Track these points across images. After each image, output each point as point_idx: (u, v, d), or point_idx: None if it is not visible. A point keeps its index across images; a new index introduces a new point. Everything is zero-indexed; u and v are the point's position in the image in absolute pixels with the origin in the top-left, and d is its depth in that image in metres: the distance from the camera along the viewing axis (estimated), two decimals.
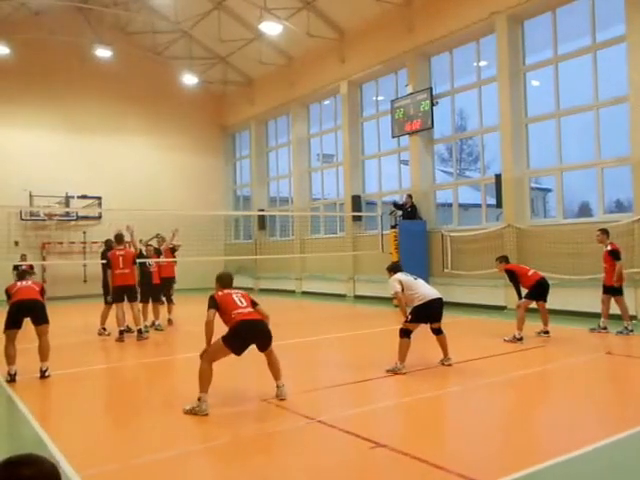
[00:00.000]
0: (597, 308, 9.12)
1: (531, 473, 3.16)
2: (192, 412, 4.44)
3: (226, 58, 18.14)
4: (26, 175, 16.01)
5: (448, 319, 10.09)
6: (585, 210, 13.95)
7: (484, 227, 11.64)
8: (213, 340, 4.63)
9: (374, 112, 14.97)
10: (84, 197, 16.85)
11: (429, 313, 5.79)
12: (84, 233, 17.03)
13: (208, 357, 4.58)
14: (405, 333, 5.73)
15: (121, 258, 8.15)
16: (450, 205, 13.20)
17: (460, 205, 13.19)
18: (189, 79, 17.47)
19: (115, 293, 8.22)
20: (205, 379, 4.53)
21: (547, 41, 10.77)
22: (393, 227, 12.64)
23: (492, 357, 6.55)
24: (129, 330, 8.38)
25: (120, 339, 8.00)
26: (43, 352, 5.76)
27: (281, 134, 18.58)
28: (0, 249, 14.36)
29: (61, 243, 16.81)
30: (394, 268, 6.35)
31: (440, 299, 5.87)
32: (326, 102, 16.60)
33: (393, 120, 13.48)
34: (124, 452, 3.80)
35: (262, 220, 18.31)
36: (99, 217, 17.12)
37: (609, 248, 7.87)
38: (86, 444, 3.99)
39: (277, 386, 4.83)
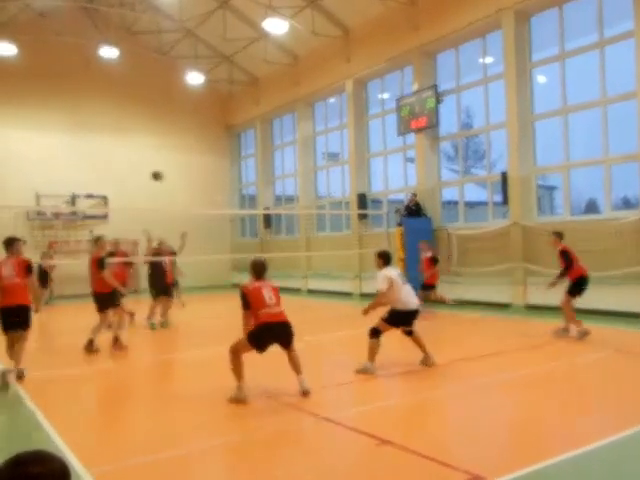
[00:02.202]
0: (603, 305, 9.07)
1: (537, 470, 3.15)
2: (234, 400, 4.71)
3: (231, 57, 18.17)
4: (33, 175, 16.14)
5: (453, 317, 10.12)
6: (592, 207, 13.84)
7: (490, 225, 11.59)
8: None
9: (379, 110, 14.94)
10: (90, 196, 16.97)
11: (406, 320, 5.79)
12: (91, 232, 17.09)
13: (234, 350, 4.84)
14: (376, 333, 5.72)
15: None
16: (456, 203, 13.15)
17: (466, 203, 13.14)
18: (194, 78, 17.51)
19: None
20: (236, 370, 4.80)
21: (554, 37, 10.69)
22: (399, 225, 12.63)
23: (498, 354, 6.53)
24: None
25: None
26: (19, 355, 5.69)
27: (286, 133, 18.59)
28: None
29: (68, 242, 16.93)
30: (386, 257, 5.95)
31: (417, 311, 5.86)
32: (331, 100, 16.58)
33: (399, 118, 13.44)
34: (132, 450, 3.83)
35: (268, 219, 18.35)
36: (105, 216, 17.23)
37: (430, 255, 8.89)
38: (95, 442, 4.02)
39: (299, 381, 4.91)
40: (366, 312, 5.89)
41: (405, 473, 3.26)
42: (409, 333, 5.95)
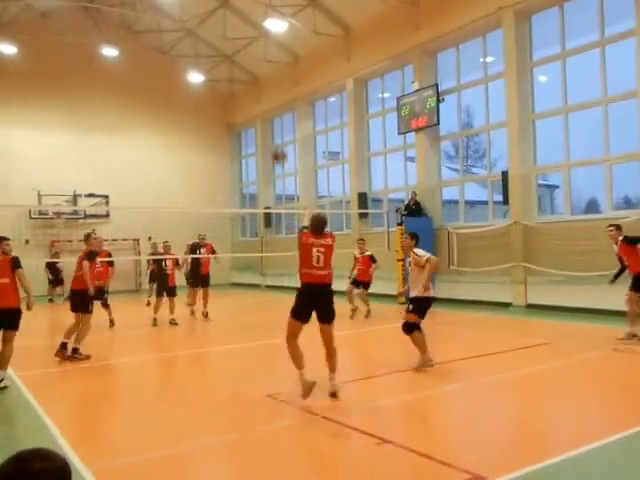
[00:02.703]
0: (604, 305, 9.07)
1: (537, 470, 3.16)
2: (305, 392, 4.46)
3: (232, 56, 18.16)
4: (34, 174, 16.17)
5: (454, 316, 10.13)
6: (593, 207, 13.83)
7: (490, 224, 11.59)
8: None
9: (380, 109, 14.93)
10: (92, 195, 17.00)
11: (427, 307, 5.67)
12: (93, 230, 17.17)
13: (287, 336, 4.62)
14: (411, 328, 5.61)
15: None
16: (456, 202, 13.15)
17: (466, 202, 13.15)
18: (195, 77, 17.52)
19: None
20: (295, 358, 4.56)
21: (555, 36, 10.67)
22: (399, 224, 12.63)
23: (498, 354, 6.53)
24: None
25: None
26: (5, 359, 5.48)
27: (287, 132, 18.59)
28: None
29: (70, 241, 16.95)
30: (418, 238, 5.91)
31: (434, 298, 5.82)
32: (332, 99, 16.58)
33: (399, 117, 13.44)
34: (133, 447, 3.84)
35: (268, 218, 18.36)
36: (107, 215, 17.26)
37: (369, 253, 9.37)
38: (96, 439, 4.04)
39: (329, 379, 4.56)
40: (426, 286, 5.56)
41: (405, 472, 3.27)
42: (414, 328, 5.74)
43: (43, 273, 15.75)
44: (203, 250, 10.50)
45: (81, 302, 6.73)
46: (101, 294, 8.75)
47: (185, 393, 5.43)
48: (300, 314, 4.53)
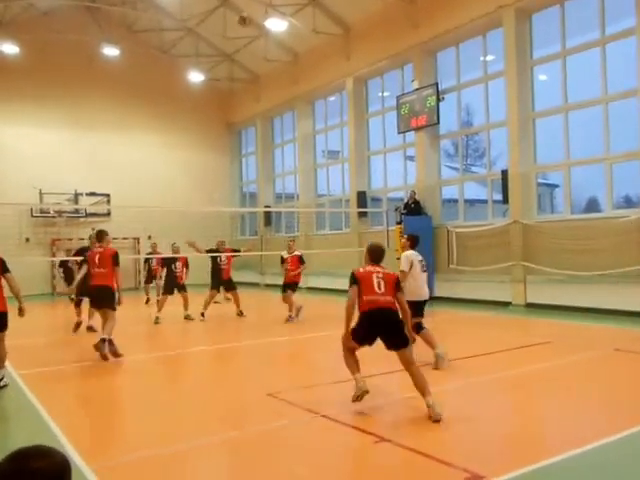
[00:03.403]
0: (605, 304, 9.08)
1: (536, 469, 3.16)
2: (357, 396, 4.36)
3: (232, 55, 18.16)
4: (36, 173, 16.19)
5: (453, 315, 10.14)
6: (593, 206, 13.83)
7: (490, 223, 11.59)
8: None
9: (380, 108, 14.92)
10: (93, 194, 17.02)
11: (418, 309, 5.79)
12: (93, 229, 17.17)
13: (343, 346, 4.55)
14: (418, 327, 5.62)
15: (97, 256, 6.92)
16: (456, 201, 13.15)
17: (466, 201, 13.15)
18: (195, 77, 17.52)
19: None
20: (349, 365, 4.51)
21: (555, 35, 10.66)
22: (399, 223, 12.63)
23: (497, 353, 6.54)
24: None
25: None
26: (1, 359, 5.40)
27: (287, 131, 18.59)
28: (11, 246, 14.56)
29: (70, 239, 16.98)
30: (414, 240, 6.07)
31: (427, 301, 6.00)
32: (331, 98, 16.57)
33: (399, 116, 13.43)
34: (133, 445, 3.86)
35: (268, 216, 18.37)
36: (108, 214, 17.28)
37: (297, 254, 9.63)
38: (96, 437, 4.05)
39: (427, 405, 4.11)
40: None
41: (404, 471, 3.28)
42: (419, 327, 5.79)
43: (44, 271, 15.78)
44: (179, 264, 10.39)
45: (108, 298, 6.68)
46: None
47: (185, 391, 5.45)
48: (361, 340, 4.45)
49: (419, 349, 5.88)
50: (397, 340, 4.28)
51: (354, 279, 4.41)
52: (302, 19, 14.44)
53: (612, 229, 9.20)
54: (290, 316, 9.52)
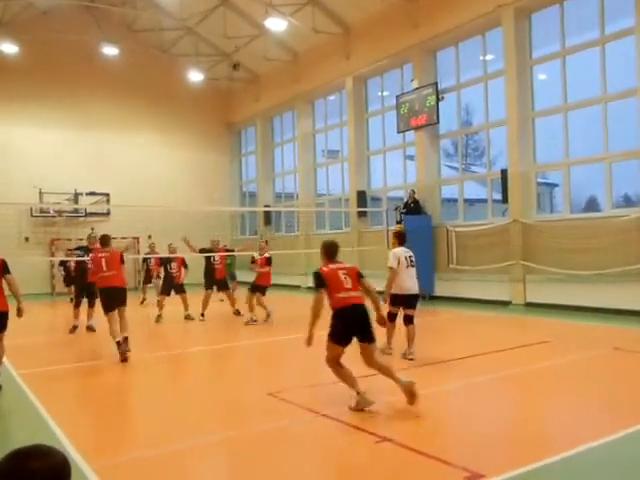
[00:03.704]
0: (604, 303, 9.10)
1: (536, 468, 3.17)
2: (358, 407, 4.28)
3: (232, 55, 18.15)
4: (36, 172, 16.19)
5: (453, 314, 10.15)
6: (592, 205, 13.85)
7: (490, 222, 11.60)
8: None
9: (379, 107, 14.93)
10: (92, 194, 17.02)
11: (405, 302, 6.25)
12: (92, 229, 17.17)
13: (330, 361, 4.43)
14: (391, 317, 6.17)
15: (104, 260, 7.09)
16: (456, 200, 13.16)
17: (466, 200, 13.16)
18: (195, 76, 17.52)
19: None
20: (345, 378, 4.40)
21: (554, 34, 10.66)
22: (398, 222, 12.64)
23: (497, 352, 6.56)
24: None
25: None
26: None
27: (286, 130, 18.59)
28: (11, 245, 14.57)
29: (70, 239, 16.99)
30: (401, 237, 6.49)
31: (417, 295, 6.36)
32: (331, 98, 16.57)
33: (398, 115, 13.43)
34: (133, 444, 3.87)
35: (268, 216, 18.37)
36: (107, 213, 17.28)
37: (267, 255, 9.75)
38: (97, 436, 4.06)
39: (400, 385, 4.28)
40: (387, 295, 6.17)
41: (404, 470, 3.29)
42: (408, 320, 6.23)
43: (43, 270, 15.78)
44: (174, 264, 10.40)
45: (122, 297, 6.93)
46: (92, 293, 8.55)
47: (185, 391, 5.46)
48: (343, 341, 4.38)
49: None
50: (369, 335, 4.36)
51: (321, 279, 4.43)
52: (302, 18, 14.43)
53: (611, 228, 9.22)
54: (252, 319, 9.25)
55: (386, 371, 4.43)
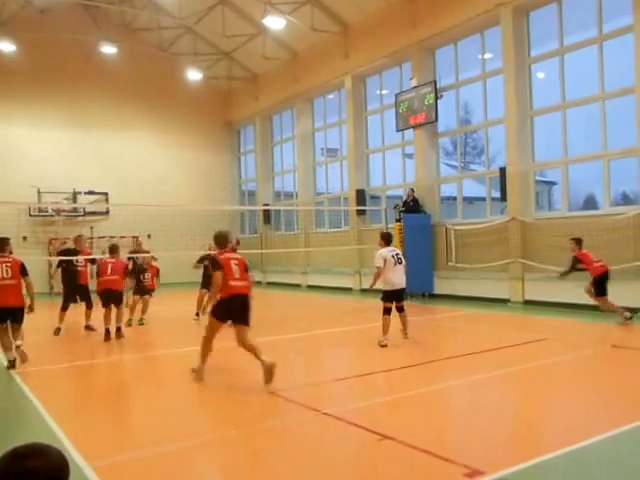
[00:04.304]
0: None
1: (535, 464, 3.20)
2: (195, 374, 5.25)
3: (230, 54, 18.13)
4: (34, 172, 16.16)
5: (453, 312, 10.19)
6: (591, 203, 13.90)
7: (489, 220, 11.63)
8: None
9: (378, 106, 14.94)
10: (91, 193, 16.98)
11: (394, 297, 7.05)
12: (91, 228, 17.17)
13: (208, 333, 5.26)
14: (386, 311, 6.95)
15: (111, 265, 8.13)
16: (455, 199, 13.19)
17: (465, 199, 13.18)
18: (194, 75, 17.50)
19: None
20: (205, 352, 5.30)
21: (553, 32, 10.68)
22: (398, 221, 12.67)
23: (496, 350, 6.59)
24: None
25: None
26: (15, 335, 6.16)
27: (286, 129, 18.59)
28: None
29: (69, 239, 16.98)
30: (386, 238, 7.22)
31: (404, 288, 7.18)
32: (330, 96, 16.57)
33: (397, 114, 13.45)
34: (132, 443, 3.88)
35: (267, 214, 18.38)
36: (106, 212, 17.26)
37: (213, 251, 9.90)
38: (96, 435, 4.07)
39: (263, 363, 5.01)
40: (372, 286, 7.14)
41: (405, 468, 3.32)
42: (400, 309, 7.13)
43: (41, 270, 15.75)
44: (148, 275, 9.80)
45: (119, 299, 8.07)
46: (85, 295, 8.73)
47: (185, 389, 5.48)
48: (223, 320, 5.24)
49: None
50: (246, 319, 5.13)
51: (219, 264, 5.12)
52: (301, 17, 14.43)
53: (609, 226, 9.25)
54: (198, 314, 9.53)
55: (254, 350, 5.06)
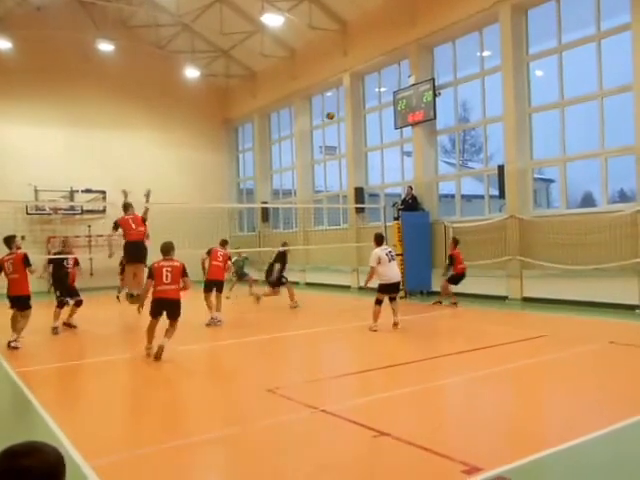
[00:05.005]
0: (600, 298, 9.15)
1: (533, 461, 3.20)
2: (147, 352, 6.33)
3: (228, 51, 18.08)
4: (31, 170, 16.09)
5: (450, 310, 10.18)
6: (588, 200, 13.90)
7: (487, 218, 11.63)
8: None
9: (377, 103, 14.91)
10: (88, 191, 16.91)
11: (389, 289, 7.89)
12: (89, 227, 17.12)
13: (150, 326, 6.42)
14: (378, 302, 7.87)
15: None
16: (453, 196, 13.19)
17: (463, 196, 13.17)
18: (191, 73, 17.44)
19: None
20: (150, 335, 6.40)
21: (551, 30, 10.67)
22: (396, 219, 12.66)
23: (494, 347, 6.60)
24: None
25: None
26: (20, 326, 7.18)
27: (284, 127, 18.54)
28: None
29: (66, 237, 16.93)
30: (378, 239, 8.02)
31: (399, 282, 8.05)
32: (329, 94, 16.54)
33: (396, 111, 13.42)
34: (131, 442, 3.88)
35: (265, 212, 18.36)
36: (104, 211, 17.20)
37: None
38: (94, 434, 4.06)
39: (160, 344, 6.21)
40: (366, 284, 8.12)
41: (402, 464, 3.32)
42: (392, 299, 7.99)
43: (40, 269, 15.69)
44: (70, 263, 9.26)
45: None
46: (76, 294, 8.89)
47: (183, 388, 5.47)
48: (154, 316, 6.43)
49: (382, 320, 7.71)
50: (173, 316, 6.40)
51: (150, 273, 6.37)
52: (298, 14, 14.38)
53: (607, 223, 9.26)
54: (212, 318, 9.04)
55: (171, 334, 6.33)
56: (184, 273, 6.34)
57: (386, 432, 3.71)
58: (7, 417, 4.70)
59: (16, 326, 7.13)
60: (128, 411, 4.86)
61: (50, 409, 4.51)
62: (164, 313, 6.33)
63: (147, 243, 9.28)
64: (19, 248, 7.34)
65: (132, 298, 8.50)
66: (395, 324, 7.85)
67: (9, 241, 7.27)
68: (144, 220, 9.06)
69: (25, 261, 7.13)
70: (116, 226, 9.00)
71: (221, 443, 3.85)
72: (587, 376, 5.37)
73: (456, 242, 10.41)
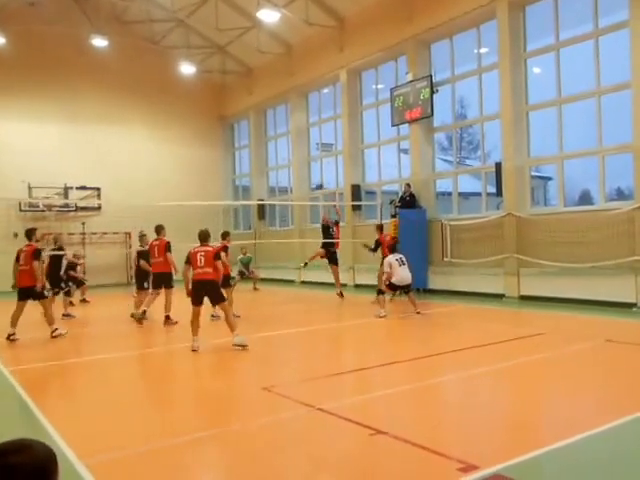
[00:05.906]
0: (597, 296, 9.15)
1: (530, 459, 3.17)
2: (194, 348, 6.55)
3: (224, 47, 17.96)
4: (24, 166, 15.94)
5: (448, 307, 10.17)
6: (586, 198, 13.91)
7: (484, 216, 11.61)
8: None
9: (374, 100, 14.85)
10: (83, 188, 16.80)
11: (402, 288, 9.05)
12: (83, 224, 17.01)
13: (193, 315, 6.68)
14: (381, 293, 9.00)
15: (156, 248, 9.13)
16: (450, 194, 13.16)
17: (460, 194, 13.14)
18: (187, 69, 17.30)
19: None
20: (194, 328, 6.66)
21: (549, 27, 10.64)
22: (393, 216, 12.61)
23: (491, 345, 6.56)
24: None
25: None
26: (48, 320, 7.68)
27: (280, 123, 18.46)
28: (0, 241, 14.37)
29: (60, 234, 16.78)
30: (391, 248, 9.30)
31: (409, 283, 8.99)
32: (325, 91, 16.47)
33: (393, 108, 13.37)
34: (127, 440, 3.82)
35: (261, 210, 18.29)
36: (98, 208, 17.09)
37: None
38: (90, 432, 4.00)
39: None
40: (380, 284, 9.17)
41: (399, 462, 3.27)
42: (406, 292, 9.08)
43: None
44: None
45: (166, 280, 8.91)
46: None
47: (179, 386, 5.42)
48: (195, 301, 6.74)
49: (397, 306, 8.92)
50: (215, 299, 6.79)
51: (187, 258, 6.76)
52: (295, 10, 14.29)
53: (604, 221, 9.25)
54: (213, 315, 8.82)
55: (232, 327, 6.67)
56: (216, 256, 6.67)
57: (383, 430, 3.67)
58: (1, 416, 4.63)
59: (16, 321, 7.43)
60: (123, 409, 4.79)
61: (44, 408, 4.45)
62: (205, 299, 6.64)
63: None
64: (38, 241, 8.03)
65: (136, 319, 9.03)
66: (417, 312, 8.74)
67: (30, 233, 7.89)
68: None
69: (35, 254, 7.50)
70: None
71: (217, 441, 3.80)
72: (584, 374, 5.34)
73: (380, 227, 11.23)
